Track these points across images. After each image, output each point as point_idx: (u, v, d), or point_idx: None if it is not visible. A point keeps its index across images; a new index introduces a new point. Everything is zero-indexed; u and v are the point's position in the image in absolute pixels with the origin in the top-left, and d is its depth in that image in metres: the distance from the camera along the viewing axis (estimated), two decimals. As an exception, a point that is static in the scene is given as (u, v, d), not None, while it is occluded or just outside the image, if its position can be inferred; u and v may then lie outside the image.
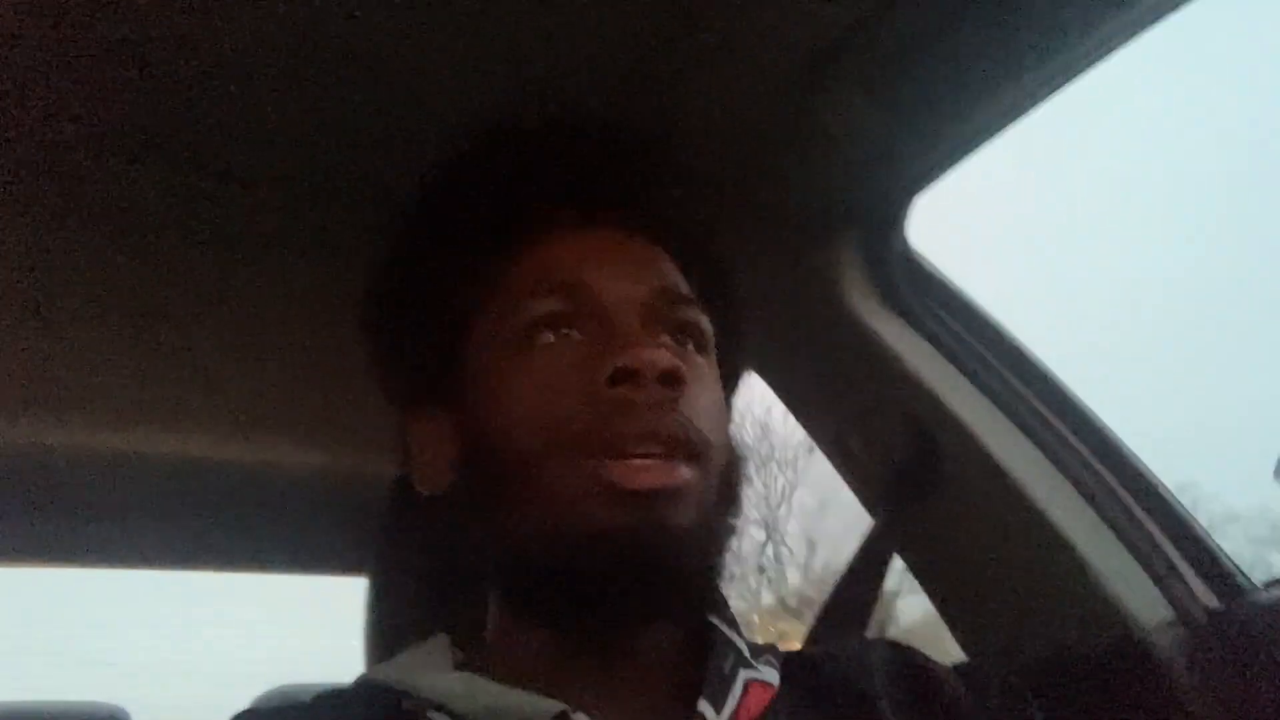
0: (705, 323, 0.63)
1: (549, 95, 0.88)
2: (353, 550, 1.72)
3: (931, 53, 0.85)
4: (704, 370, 0.61)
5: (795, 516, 9.91)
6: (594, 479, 0.53)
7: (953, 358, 1.04)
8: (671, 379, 0.54)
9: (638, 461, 0.53)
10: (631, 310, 0.59)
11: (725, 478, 0.59)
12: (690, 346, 0.61)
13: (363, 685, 0.59)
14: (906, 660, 0.64)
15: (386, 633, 0.80)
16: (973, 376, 1.03)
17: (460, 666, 0.60)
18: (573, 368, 0.56)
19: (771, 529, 9.56)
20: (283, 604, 3.61)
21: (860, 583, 1.03)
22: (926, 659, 0.65)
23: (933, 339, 1.05)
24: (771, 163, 0.99)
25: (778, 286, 1.10)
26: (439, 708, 0.54)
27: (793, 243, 1.06)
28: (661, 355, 0.54)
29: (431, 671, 0.57)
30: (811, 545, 9.90)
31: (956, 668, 0.65)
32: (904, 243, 1.06)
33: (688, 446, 0.54)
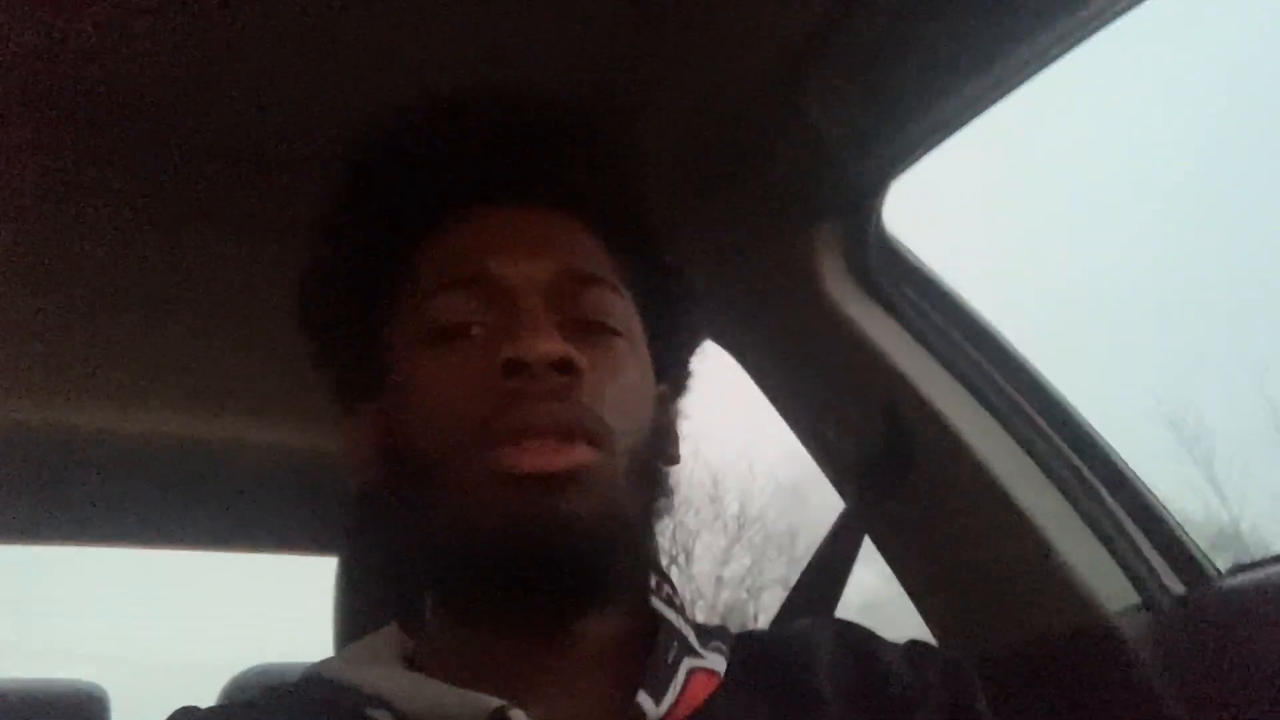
0: (618, 303, 0.61)
1: (526, 76, 0.88)
2: (329, 531, 1.72)
3: (912, 37, 0.85)
4: (615, 353, 0.59)
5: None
6: (488, 468, 0.52)
7: (928, 344, 1.05)
8: (564, 366, 0.53)
9: (527, 444, 0.52)
10: (534, 293, 0.58)
11: (641, 462, 0.57)
12: (604, 329, 0.60)
13: (309, 680, 0.58)
14: (852, 638, 0.63)
15: (350, 616, 0.80)
16: (947, 362, 1.04)
17: (409, 657, 0.60)
18: (473, 361, 0.56)
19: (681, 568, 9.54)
20: (261, 584, 3.60)
21: (830, 565, 1.03)
22: (872, 636, 0.64)
23: (908, 325, 1.06)
24: (749, 145, 0.99)
25: (754, 270, 1.10)
26: (380, 704, 0.53)
27: (769, 226, 1.06)
28: (554, 345, 0.53)
29: (376, 667, 0.57)
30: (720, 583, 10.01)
31: (908, 644, 0.64)
32: (881, 228, 1.06)
33: (586, 433, 0.53)
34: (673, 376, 0.69)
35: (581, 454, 0.53)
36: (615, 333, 0.60)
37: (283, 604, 3.74)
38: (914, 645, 0.64)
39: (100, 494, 1.54)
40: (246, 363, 1.27)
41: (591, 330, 0.59)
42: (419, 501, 0.56)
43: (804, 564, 1.06)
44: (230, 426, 1.43)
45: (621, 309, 0.61)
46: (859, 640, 0.63)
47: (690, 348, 0.72)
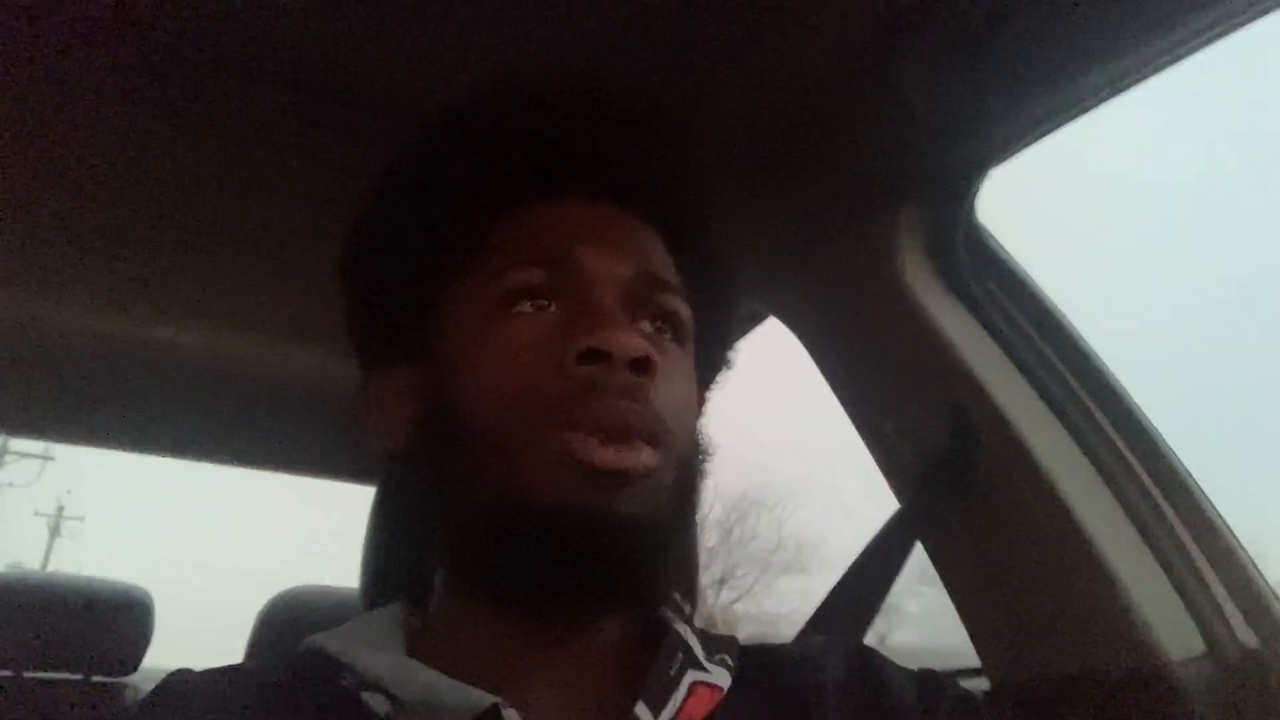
0: (686, 312, 0.61)
1: (605, 55, 0.85)
2: (371, 460, 1.75)
3: (1023, 22, 0.79)
4: (678, 360, 0.59)
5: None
6: (555, 451, 0.51)
7: (1007, 347, 0.99)
8: (642, 366, 0.53)
9: (599, 437, 0.51)
10: (612, 289, 0.57)
11: (685, 472, 0.56)
12: (667, 335, 0.60)
13: (311, 652, 0.57)
14: (862, 663, 0.61)
15: (373, 581, 0.79)
16: (1026, 370, 0.98)
17: (410, 639, 0.59)
18: (545, 340, 0.55)
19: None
20: (307, 506, 3.71)
21: (874, 569, 0.98)
22: (884, 662, 0.62)
23: (988, 324, 1.00)
24: (837, 119, 0.94)
25: (831, 252, 1.05)
26: (376, 688, 0.52)
27: (851, 206, 1.00)
28: (635, 341, 0.52)
29: (374, 649, 0.56)
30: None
31: (920, 674, 0.61)
32: (971, 219, 1.00)
33: (650, 435, 0.53)
34: (704, 384, 0.68)
35: (646, 456, 0.52)
36: (678, 340, 0.60)
37: (324, 527, 3.85)
38: (925, 675, 0.61)
39: (160, 405, 1.59)
40: (314, 292, 1.27)
41: (659, 334, 0.59)
42: (457, 470, 0.55)
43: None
44: (293, 352, 1.44)
45: (686, 317, 0.61)
46: (869, 666, 0.61)
47: (724, 361, 0.71)
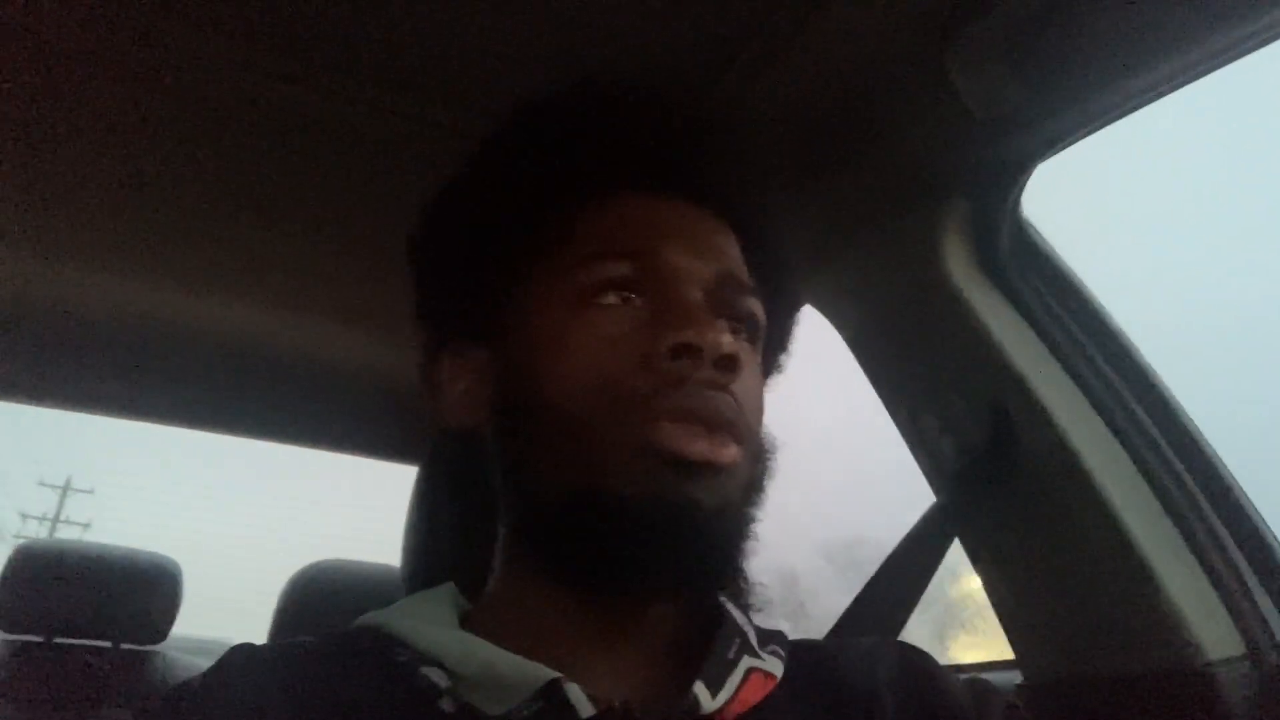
0: (761, 313, 0.63)
1: (657, 49, 0.85)
2: (406, 438, 1.76)
3: (1077, 15, 0.78)
4: (752, 360, 0.61)
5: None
6: (645, 439, 0.52)
7: (1051, 343, 0.98)
8: (729, 364, 0.54)
9: (690, 428, 0.52)
10: (697, 287, 0.58)
11: (759, 466, 0.58)
12: (743, 335, 0.61)
13: (362, 630, 0.58)
14: (917, 666, 0.62)
15: (422, 560, 0.80)
16: (1069, 367, 0.97)
17: (463, 619, 0.59)
18: (634, 332, 0.56)
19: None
20: (335, 483, 3.74)
21: (910, 565, 0.98)
22: (938, 667, 0.62)
23: (1032, 320, 0.99)
24: (891, 117, 0.93)
25: (874, 241, 1.05)
26: (433, 663, 0.53)
27: (897, 196, 1.00)
28: (724, 338, 0.54)
29: (431, 625, 0.56)
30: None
31: (970, 682, 0.62)
32: (1017, 212, 0.99)
33: (734, 431, 0.54)
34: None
35: (734, 450, 0.53)
36: (753, 340, 0.62)
37: (351, 505, 3.88)
38: (976, 683, 0.62)
39: (191, 379, 1.60)
40: (361, 274, 1.28)
41: (739, 334, 0.60)
42: (536, 453, 0.55)
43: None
44: (319, 327, 1.45)
45: (761, 319, 0.63)
46: (923, 668, 0.62)
47: (779, 364, 0.72)
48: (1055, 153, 0.92)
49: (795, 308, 0.72)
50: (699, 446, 0.52)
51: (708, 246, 0.61)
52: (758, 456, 0.57)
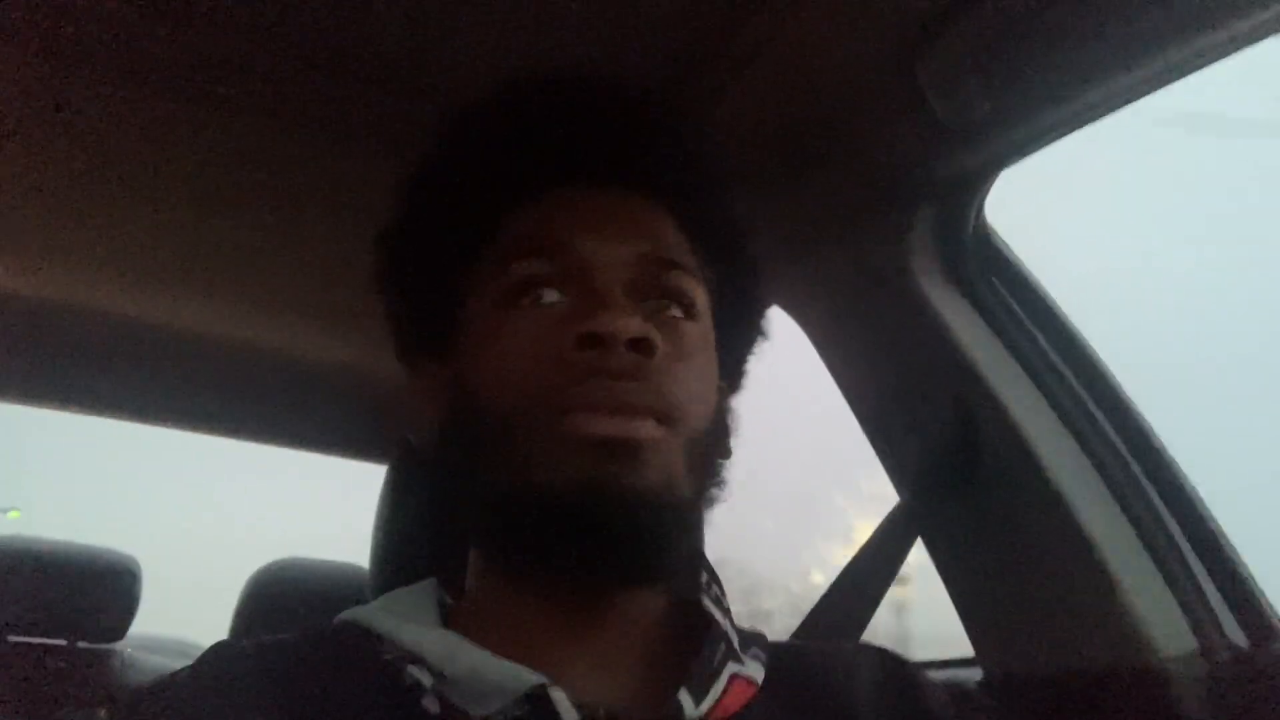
0: (697, 289, 0.61)
1: (620, 52, 0.85)
2: (372, 437, 1.75)
3: (1046, 26, 0.79)
4: (688, 337, 0.59)
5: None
6: (559, 431, 0.52)
7: (1012, 346, 1.00)
8: (641, 346, 0.53)
9: (598, 414, 0.52)
10: (614, 274, 0.58)
11: (701, 447, 0.57)
12: (679, 313, 0.60)
13: (344, 627, 0.58)
14: (897, 671, 0.62)
15: (388, 562, 0.80)
16: (1030, 369, 0.99)
17: (446, 617, 0.59)
18: (548, 330, 0.56)
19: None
20: (298, 481, 3.70)
21: (875, 562, 1.00)
22: (919, 672, 0.63)
23: (994, 324, 1.01)
24: (861, 124, 0.95)
25: (839, 245, 1.06)
26: (418, 662, 0.53)
27: (866, 206, 1.01)
28: (632, 322, 0.53)
29: (415, 623, 0.56)
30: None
31: (950, 687, 0.63)
32: (980, 219, 1.01)
33: (654, 411, 0.54)
34: (731, 372, 0.68)
35: (649, 429, 0.53)
36: (690, 317, 0.60)
37: (312, 503, 3.85)
38: (958, 690, 0.63)
39: (154, 377, 1.58)
40: (319, 271, 1.28)
41: (667, 312, 0.59)
42: (480, 462, 0.56)
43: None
44: (294, 330, 1.44)
45: (698, 295, 0.61)
46: (902, 673, 0.62)
47: (752, 347, 0.71)
48: (1019, 160, 0.94)
49: (754, 274, 0.70)
50: (607, 428, 0.52)
51: (627, 230, 0.60)
52: (698, 437, 0.56)
